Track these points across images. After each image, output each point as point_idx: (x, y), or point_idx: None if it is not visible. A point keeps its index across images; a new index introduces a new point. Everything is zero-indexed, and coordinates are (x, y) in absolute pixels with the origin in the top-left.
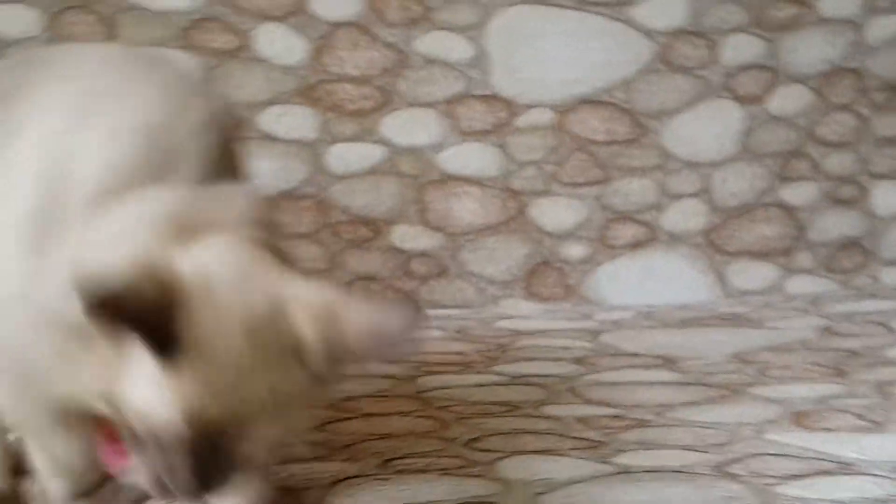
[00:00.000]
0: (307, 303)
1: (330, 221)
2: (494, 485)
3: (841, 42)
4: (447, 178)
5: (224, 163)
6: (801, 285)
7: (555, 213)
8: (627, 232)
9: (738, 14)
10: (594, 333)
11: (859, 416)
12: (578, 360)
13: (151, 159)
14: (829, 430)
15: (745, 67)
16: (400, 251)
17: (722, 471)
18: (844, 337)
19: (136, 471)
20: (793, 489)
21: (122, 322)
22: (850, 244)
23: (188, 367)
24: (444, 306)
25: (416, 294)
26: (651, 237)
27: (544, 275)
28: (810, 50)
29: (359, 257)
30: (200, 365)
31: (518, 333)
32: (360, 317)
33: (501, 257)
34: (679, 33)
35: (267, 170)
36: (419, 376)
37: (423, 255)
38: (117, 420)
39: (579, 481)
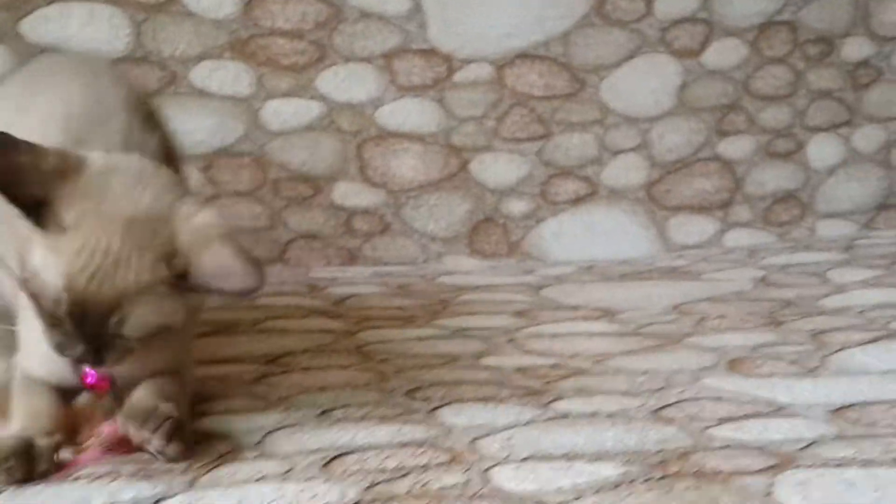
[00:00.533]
0: (191, 220)
1: (269, 179)
2: (434, 430)
3: None
4: (387, 135)
5: (139, 140)
6: (738, 238)
7: (496, 169)
8: (569, 187)
9: None
10: (535, 288)
11: (792, 362)
12: (519, 314)
13: (74, 139)
14: (762, 375)
15: (681, 21)
16: (341, 208)
17: (657, 415)
18: (780, 287)
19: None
20: (725, 431)
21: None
22: (786, 197)
23: (70, 241)
24: (388, 263)
25: (359, 251)
26: (592, 192)
27: (487, 231)
28: (745, 3)
29: (300, 215)
30: (80, 241)
31: (460, 289)
32: (220, 254)
33: (444, 214)
34: None
35: (202, 126)
36: (359, 331)
37: (364, 212)
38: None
39: (517, 426)
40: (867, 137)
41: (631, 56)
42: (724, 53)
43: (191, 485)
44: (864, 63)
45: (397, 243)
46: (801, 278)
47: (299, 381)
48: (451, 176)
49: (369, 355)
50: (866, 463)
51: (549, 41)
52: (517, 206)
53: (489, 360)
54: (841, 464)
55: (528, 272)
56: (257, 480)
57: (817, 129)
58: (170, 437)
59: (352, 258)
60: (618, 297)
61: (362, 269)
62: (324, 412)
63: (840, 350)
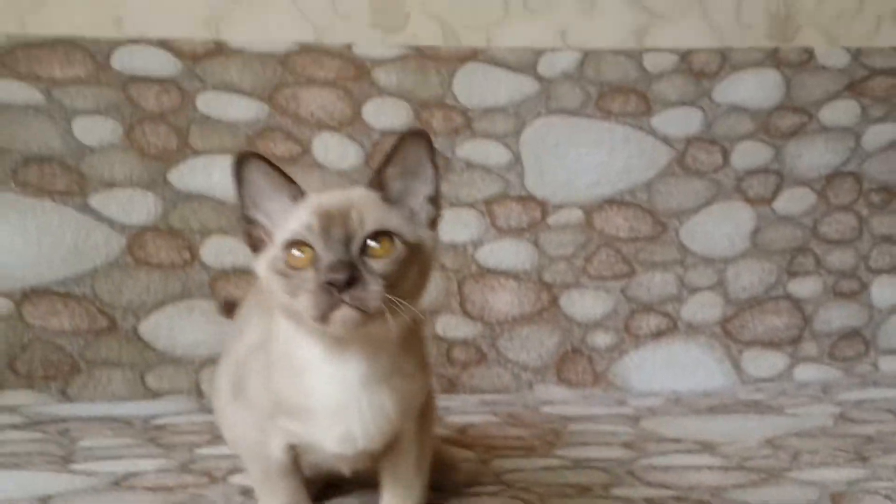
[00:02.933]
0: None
1: None
2: None
3: (840, 148)
4: (485, 272)
5: None
6: (807, 372)
7: (584, 304)
8: (651, 322)
9: (746, 123)
10: (633, 419)
11: (887, 497)
12: (627, 445)
13: None
14: None
15: (754, 171)
16: (442, 339)
17: None
18: (859, 424)
19: (301, 300)
20: None
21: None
22: (851, 334)
23: (312, 197)
24: (484, 391)
25: (458, 379)
26: (672, 327)
27: (574, 361)
28: (813, 155)
29: None
30: (320, 196)
31: (565, 419)
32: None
33: (535, 345)
34: (694, 140)
35: None
36: (491, 459)
37: (463, 342)
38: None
39: None
40: None
41: (708, 203)
42: (793, 201)
43: None
44: None
45: (492, 372)
46: (876, 414)
47: None
48: (543, 310)
49: (510, 484)
50: None
51: (635, 189)
52: (602, 339)
53: (618, 491)
54: None
55: (620, 403)
56: None
57: (879, 271)
58: None
59: (451, 386)
60: (712, 430)
61: (467, 398)
62: None
63: None
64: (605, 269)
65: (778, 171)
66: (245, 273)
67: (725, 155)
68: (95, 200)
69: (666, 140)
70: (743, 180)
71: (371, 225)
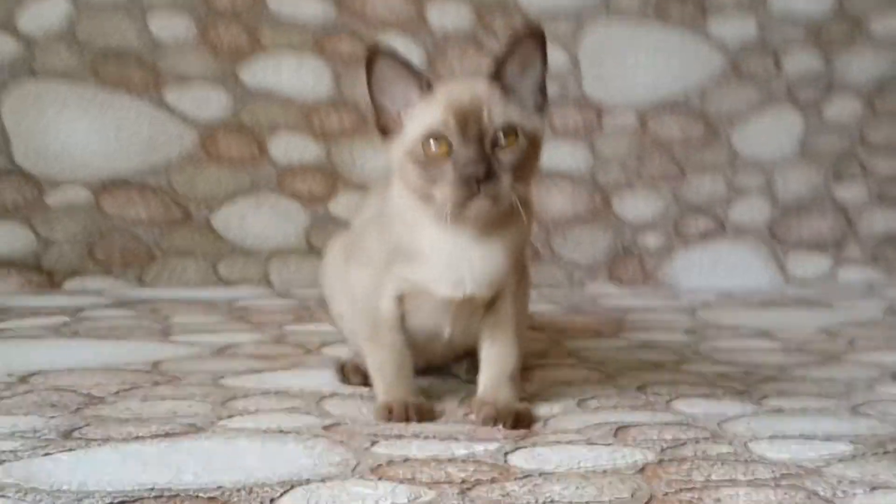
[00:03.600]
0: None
1: None
2: (679, 416)
3: (889, 57)
4: (541, 174)
5: None
6: (850, 274)
7: (635, 205)
8: (699, 223)
9: (799, 31)
10: (689, 311)
11: None
12: (689, 331)
13: None
14: None
15: (805, 79)
16: None
17: (855, 410)
18: None
19: (441, 188)
20: None
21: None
22: (894, 238)
23: (441, 91)
24: (537, 286)
25: None
26: (720, 228)
27: (625, 261)
28: (862, 64)
29: None
30: (450, 88)
31: (624, 309)
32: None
33: (587, 245)
34: (748, 47)
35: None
36: (563, 339)
37: None
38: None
39: (745, 415)
40: None
41: (760, 109)
42: (842, 108)
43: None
44: None
45: (545, 270)
46: None
47: (542, 377)
48: (596, 211)
49: (585, 359)
50: None
51: (689, 94)
52: (653, 240)
53: (689, 367)
54: None
55: (674, 297)
56: (568, 443)
57: None
58: (514, 427)
59: None
60: (768, 320)
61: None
62: (580, 402)
63: None
64: (657, 172)
65: (828, 78)
66: (312, 169)
67: (778, 62)
68: (170, 95)
69: (721, 46)
70: (794, 87)
71: (500, 120)
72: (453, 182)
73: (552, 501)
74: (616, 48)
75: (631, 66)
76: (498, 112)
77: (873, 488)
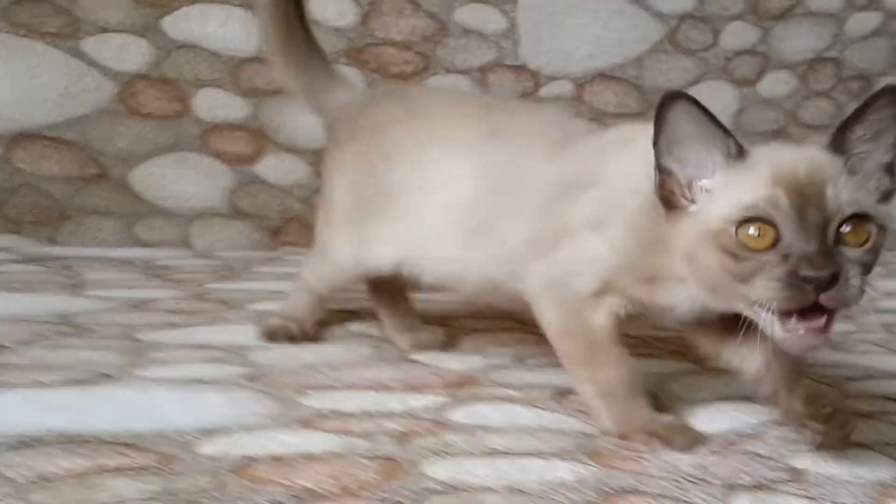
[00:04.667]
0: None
1: None
2: None
3: (825, 34)
4: None
5: None
6: None
7: None
8: None
9: (737, 3)
10: None
11: None
12: None
13: None
14: None
15: (741, 52)
16: None
17: None
18: None
19: (761, 289)
20: None
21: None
22: None
23: (758, 166)
24: None
25: None
26: None
27: None
28: (798, 39)
29: None
30: (769, 163)
31: None
32: None
33: None
34: (687, 17)
35: (316, 124)
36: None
37: None
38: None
39: (679, 374)
40: None
41: (696, 81)
42: (777, 84)
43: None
44: None
45: None
46: None
47: (480, 337)
48: None
49: (523, 322)
50: None
51: (626, 64)
52: None
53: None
54: None
55: None
56: (510, 401)
57: None
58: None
59: None
60: None
61: None
62: (519, 360)
63: None
64: None
65: (764, 53)
66: (238, 128)
67: (716, 34)
68: (88, 44)
69: (659, 16)
70: (731, 61)
71: (850, 206)
72: (782, 280)
73: (493, 451)
74: (555, 13)
75: (570, 33)
76: (846, 193)
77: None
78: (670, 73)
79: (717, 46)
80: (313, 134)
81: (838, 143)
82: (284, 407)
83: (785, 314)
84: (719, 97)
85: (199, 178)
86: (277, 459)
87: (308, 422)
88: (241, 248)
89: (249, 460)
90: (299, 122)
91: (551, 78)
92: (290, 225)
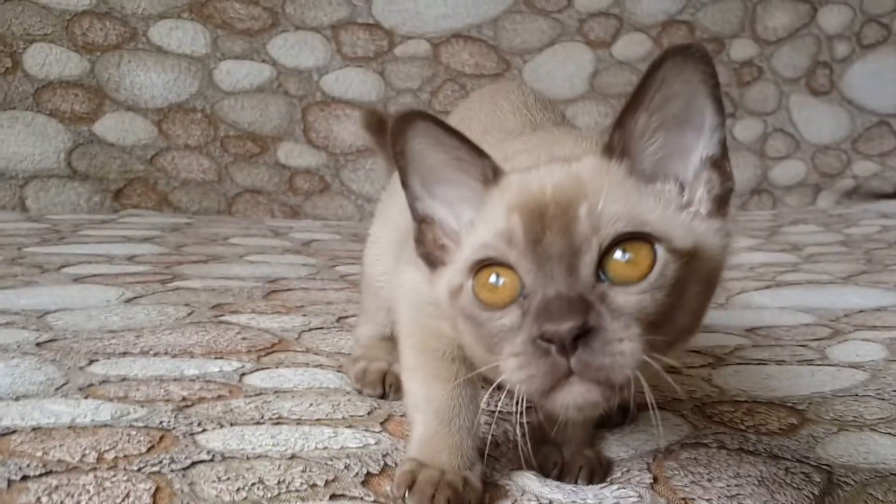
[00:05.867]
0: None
1: (219, 135)
2: None
3: None
4: (330, 100)
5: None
6: None
7: None
8: None
9: None
10: None
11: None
12: None
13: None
14: None
15: (596, 14)
16: (285, 167)
17: None
18: None
19: (505, 369)
20: None
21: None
22: None
23: (504, 188)
24: (327, 219)
25: (300, 207)
26: None
27: None
28: (651, 2)
29: (246, 171)
30: (523, 176)
31: None
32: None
33: (378, 177)
34: None
35: (159, 82)
36: (335, 266)
37: (306, 171)
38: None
39: None
40: (747, 129)
41: (552, 43)
42: (631, 46)
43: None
44: (748, 62)
45: (335, 202)
46: None
47: (304, 297)
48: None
49: (354, 284)
50: (780, 362)
51: (482, 24)
52: None
53: None
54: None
55: None
56: (316, 366)
57: None
58: (589, 481)
59: (294, 213)
60: None
61: (311, 222)
62: (339, 319)
63: (740, 293)
64: (451, 103)
65: (618, 15)
66: (74, 85)
67: None
68: None
69: None
70: (585, 22)
71: (613, 225)
72: (522, 352)
73: (279, 417)
74: None
75: None
76: (610, 207)
77: None
78: (525, 34)
79: (571, 8)
80: (155, 91)
81: (614, 142)
82: (66, 375)
83: (542, 394)
84: (575, 59)
85: (32, 138)
86: (38, 430)
87: (88, 390)
88: (81, 212)
89: (7, 431)
90: (140, 78)
91: (406, 37)
92: (132, 186)
